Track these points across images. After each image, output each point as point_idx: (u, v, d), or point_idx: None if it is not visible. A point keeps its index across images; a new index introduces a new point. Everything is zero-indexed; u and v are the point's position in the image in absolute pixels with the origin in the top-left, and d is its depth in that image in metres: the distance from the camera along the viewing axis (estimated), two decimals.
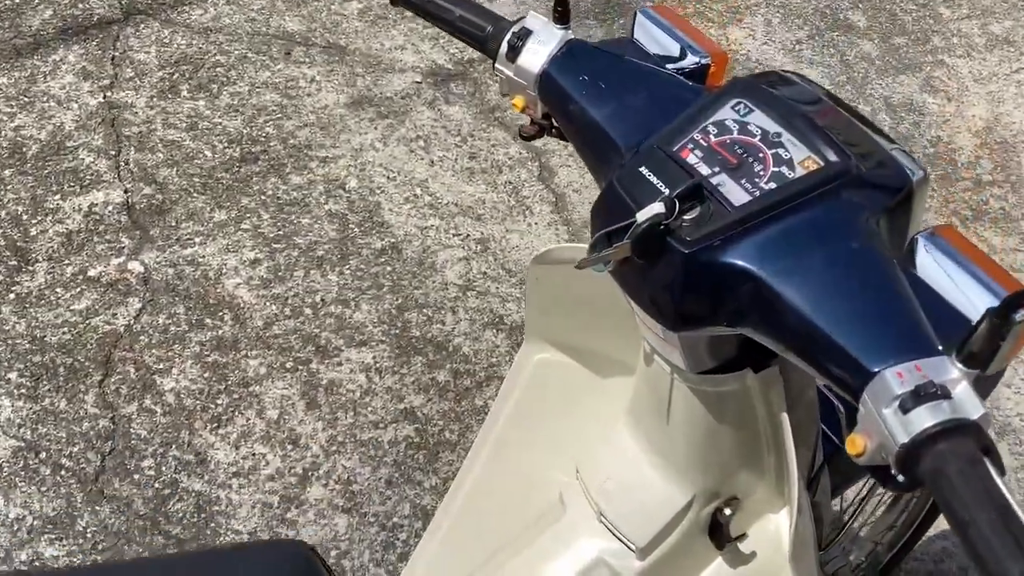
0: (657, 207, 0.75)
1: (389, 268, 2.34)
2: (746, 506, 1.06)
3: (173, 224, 2.39)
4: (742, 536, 1.07)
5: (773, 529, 1.09)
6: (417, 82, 2.86)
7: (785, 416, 0.89)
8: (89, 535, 1.85)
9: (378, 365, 2.14)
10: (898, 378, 0.65)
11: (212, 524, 1.87)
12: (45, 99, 2.66)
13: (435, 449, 2.01)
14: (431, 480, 1.96)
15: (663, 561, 1.05)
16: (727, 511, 1.03)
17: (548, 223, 2.50)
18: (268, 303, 2.24)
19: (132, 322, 2.18)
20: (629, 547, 1.03)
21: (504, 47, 0.95)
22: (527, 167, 2.64)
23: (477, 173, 2.61)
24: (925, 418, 0.63)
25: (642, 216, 0.75)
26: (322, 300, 2.26)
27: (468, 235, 2.44)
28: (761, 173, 0.77)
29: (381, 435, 2.03)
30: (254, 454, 1.98)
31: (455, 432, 2.04)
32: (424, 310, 2.26)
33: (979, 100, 3.02)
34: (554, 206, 2.54)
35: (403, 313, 2.25)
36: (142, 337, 2.16)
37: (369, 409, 2.07)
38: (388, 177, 2.57)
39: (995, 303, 0.69)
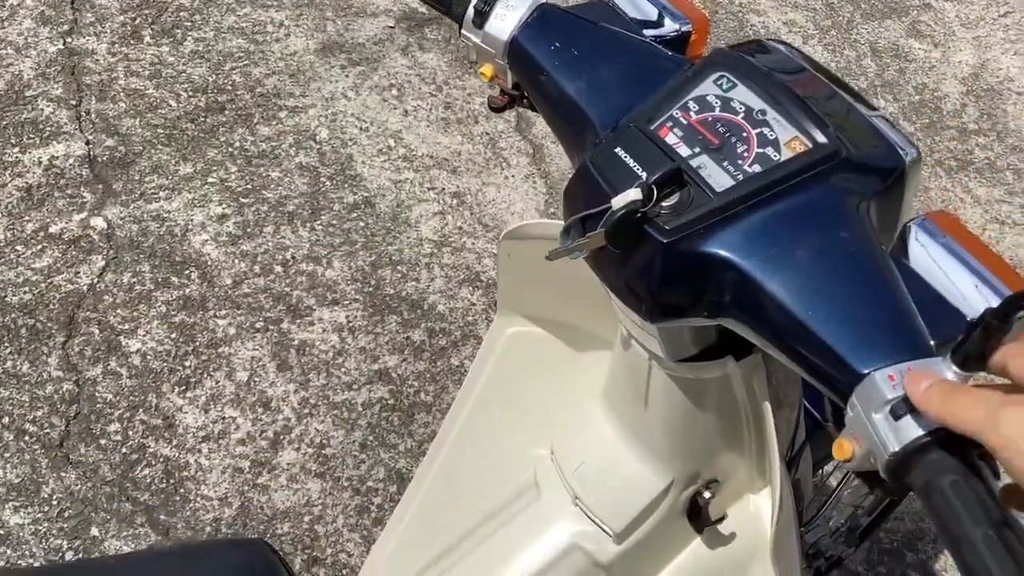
0: (633, 193, 0.69)
1: (362, 223, 2.27)
2: (725, 487, 1.02)
3: (137, 178, 2.31)
4: (722, 518, 1.03)
5: (752, 510, 1.05)
6: (390, 27, 2.76)
7: (767, 405, 0.85)
8: (55, 502, 1.80)
9: (351, 324, 2.09)
10: (889, 381, 0.61)
11: (181, 490, 1.83)
12: (2, 46, 2.55)
13: (410, 411, 1.97)
14: (406, 443, 1.93)
15: (640, 545, 1.02)
16: (707, 494, 1.00)
17: (525, 176, 2.43)
18: (237, 260, 2.18)
19: (96, 281, 2.12)
20: (605, 531, 1.00)
21: (471, 12, 0.88)
22: (504, 117, 2.56)
23: (453, 124, 2.53)
24: (917, 426, 0.59)
25: (617, 203, 0.69)
26: (293, 257, 2.20)
27: (443, 188, 2.37)
28: (745, 155, 0.71)
29: (355, 397, 1.98)
30: (224, 417, 1.94)
31: (430, 393, 2.00)
32: (398, 267, 2.20)
33: (966, 45, 2.95)
34: (531, 158, 2.48)
35: (377, 270, 2.19)
36: (106, 297, 2.09)
37: (342, 370, 2.02)
38: (360, 128, 2.49)
39: (994, 301, 0.64)
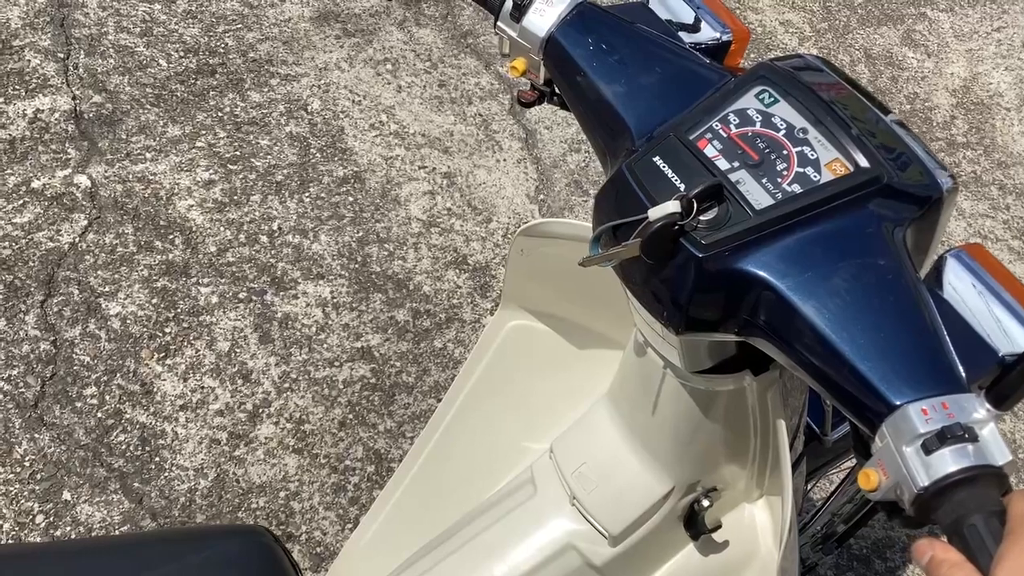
0: (672, 206, 0.69)
1: (351, 198, 2.25)
2: (723, 496, 1.02)
3: (123, 137, 2.27)
4: (717, 526, 1.03)
5: (748, 520, 1.06)
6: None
7: (782, 423, 0.85)
8: (27, 463, 1.77)
9: (336, 300, 2.07)
10: (923, 415, 0.61)
11: (156, 459, 1.81)
12: None
13: (391, 391, 1.96)
14: (386, 423, 1.91)
15: (634, 548, 1.01)
16: (705, 502, 1.00)
17: (517, 160, 2.42)
18: (222, 228, 2.15)
19: (77, 240, 2.08)
20: (601, 533, 1.00)
21: (508, 4, 0.86)
22: (498, 99, 2.54)
23: (446, 103, 2.51)
24: (949, 462, 0.59)
25: (655, 214, 0.69)
26: (279, 228, 2.17)
27: (434, 168, 2.35)
28: (784, 173, 0.71)
29: (336, 374, 1.97)
30: (203, 387, 1.91)
31: (412, 375, 1.99)
32: (385, 245, 2.18)
33: (958, 57, 2.97)
34: (524, 143, 2.46)
35: (364, 247, 2.17)
36: (87, 257, 2.05)
37: (324, 346, 2.00)
38: (353, 101, 2.46)
39: None
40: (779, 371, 0.85)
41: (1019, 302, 0.68)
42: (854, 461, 1.41)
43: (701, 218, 0.70)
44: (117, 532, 1.70)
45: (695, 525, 1.01)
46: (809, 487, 1.49)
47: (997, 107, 2.84)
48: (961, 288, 0.69)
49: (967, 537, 0.58)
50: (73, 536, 1.69)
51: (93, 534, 1.70)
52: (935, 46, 3.00)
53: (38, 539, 1.68)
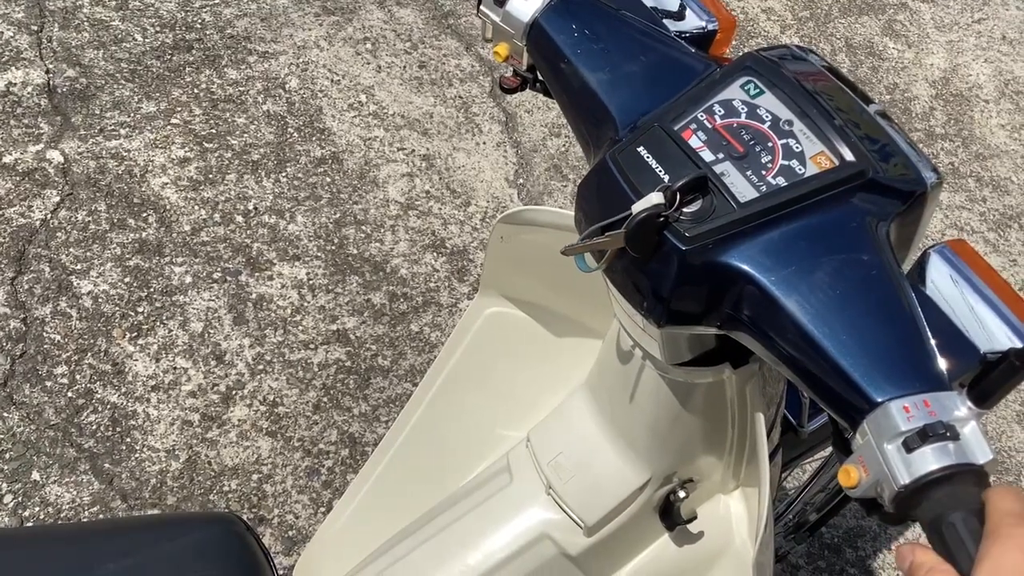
0: (656, 197, 0.68)
1: (328, 179, 2.23)
2: (699, 487, 1.02)
3: (97, 112, 2.23)
4: (692, 517, 1.03)
5: (723, 511, 1.06)
6: None
7: (760, 416, 0.84)
8: None
9: (312, 282, 2.05)
10: (904, 412, 0.61)
11: (127, 439, 1.79)
12: None
13: (366, 375, 1.95)
14: (360, 407, 1.90)
15: (609, 538, 1.01)
16: (681, 493, 0.99)
17: (497, 143, 2.40)
18: (197, 207, 2.12)
19: (49, 216, 2.04)
20: (576, 523, 0.99)
21: None
22: (478, 82, 2.52)
23: (426, 84, 2.48)
24: (930, 460, 0.58)
25: (638, 206, 0.68)
26: (255, 208, 2.15)
27: (413, 150, 2.33)
28: (769, 166, 0.70)
29: (311, 356, 1.95)
30: (175, 368, 1.89)
31: (388, 358, 1.97)
32: (363, 227, 2.16)
33: (939, 49, 2.98)
34: (504, 126, 2.44)
35: (341, 228, 2.15)
36: (59, 234, 2.02)
37: (300, 328, 1.98)
38: (332, 80, 2.43)
39: (1015, 342, 0.64)
40: (759, 364, 0.85)
41: (1002, 299, 0.68)
42: (829, 450, 1.41)
43: (685, 210, 0.69)
44: (86, 514, 1.68)
45: (670, 516, 1.01)
46: (784, 476, 1.50)
47: (976, 99, 2.85)
48: (944, 284, 0.69)
49: (946, 536, 0.58)
50: (42, 516, 1.67)
51: (62, 515, 1.68)
52: (916, 37, 3.00)
53: (5, 519, 1.65)
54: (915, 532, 1.92)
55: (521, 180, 2.33)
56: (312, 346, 1.97)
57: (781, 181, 0.69)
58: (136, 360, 1.88)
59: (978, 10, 3.14)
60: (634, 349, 0.87)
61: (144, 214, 2.09)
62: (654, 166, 0.71)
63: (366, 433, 1.87)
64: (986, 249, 2.45)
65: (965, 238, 2.48)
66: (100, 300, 1.95)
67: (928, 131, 2.72)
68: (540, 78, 0.89)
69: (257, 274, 2.04)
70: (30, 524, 1.66)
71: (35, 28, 2.34)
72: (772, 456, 1.10)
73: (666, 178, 0.70)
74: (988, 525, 0.55)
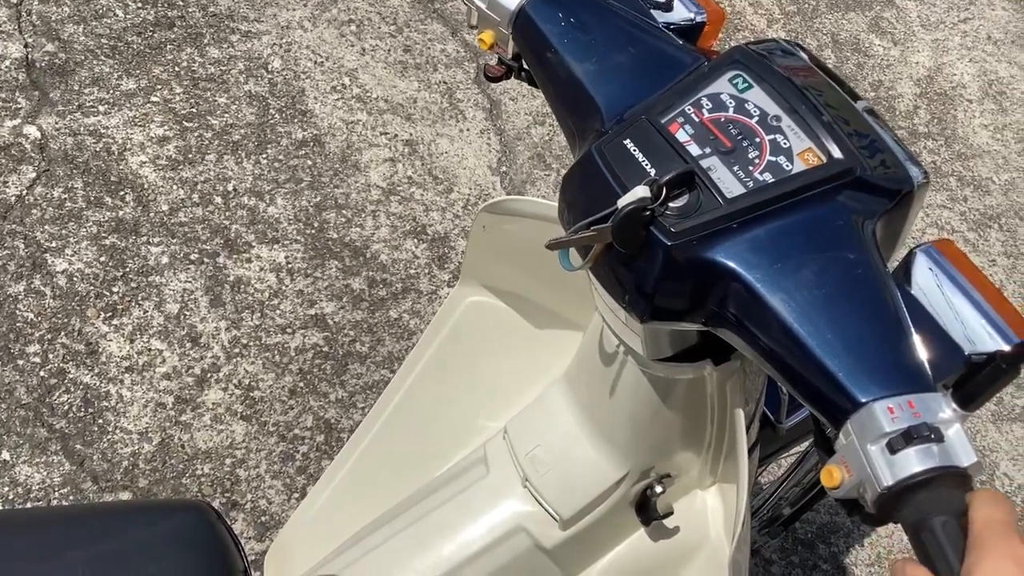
0: (641, 190, 0.67)
1: (309, 162, 2.21)
2: (677, 483, 1.02)
3: (76, 88, 2.20)
4: (669, 512, 1.03)
5: (699, 506, 1.05)
6: None
7: (740, 412, 0.84)
8: None
9: (290, 265, 2.03)
10: (888, 413, 0.60)
11: (100, 420, 1.77)
12: None
13: (344, 360, 1.93)
14: (337, 393, 1.89)
15: (585, 532, 1.01)
16: (658, 488, 0.99)
17: (480, 131, 2.38)
18: (175, 187, 2.10)
19: (24, 192, 2.01)
20: (552, 516, 0.98)
21: None
22: (463, 68, 2.50)
23: (410, 68, 2.46)
24: (914, 462, 0.58)
25: (624, 200, 0.67)
26: (235, 189, 2.12)
27: (396, 135, 2.31)
28: (756, 161, 0.69)
29: (288, 341, 1.93)
30: (150, 349, 1.87)
31: (366, 344, 1.96)
32: (343, 211, 2.14)
33: (924, 47, 2.98)
34: (488, 113, 2.43)
35: (321, 212, 2.13)
36: (35, 211, 1.99)
37: (277, 312, 1.96)
38: (315, 62, 2.41)
39: (1000, 344, 0.64)
40: (740, 361, 0.84)
41: (988, 300, 0.67)
42: (804, 444, 1.41)
43: (671, 204, 0.68)
44: (56, 495, 1.66)
45: (647, 511, 1.00)
46: (759, 471, 1.50)
47: (960, 98, 2.85)
48: (929, 285, 0.68)
49: (926, 542, 0.57)
50: (11, 497, 1.65)
51: (32, 496, 1.66)
52: (902, 34, 3.00)
53: None
54: (889, 529, 1.93)
55: (504, 168, 2.32)
56: (289, 330, 1.95)
57: (768, 177, 0.68)
58: (110, 340, 1.86)
59: (964, 9, 3.14)
60: (615, 344, 0.86)
61: (121, 192, 2.06)
62: (640, 159, 0.70)
63: (342, 419, 1.85)
64: (966, 249, 2.46)
65: (946, 237, 2.49)
66: (75, 279, 1.92)
67: (911, 129, 2.72)
68: (526, 67, 0.88)
69: (235, 256, 2.02)
70: None
71: (14, 1, 2.30)
72: (750, 452, 1.09)
73: (652, 172, 0.69)
74: (971, 535, 0.55)
